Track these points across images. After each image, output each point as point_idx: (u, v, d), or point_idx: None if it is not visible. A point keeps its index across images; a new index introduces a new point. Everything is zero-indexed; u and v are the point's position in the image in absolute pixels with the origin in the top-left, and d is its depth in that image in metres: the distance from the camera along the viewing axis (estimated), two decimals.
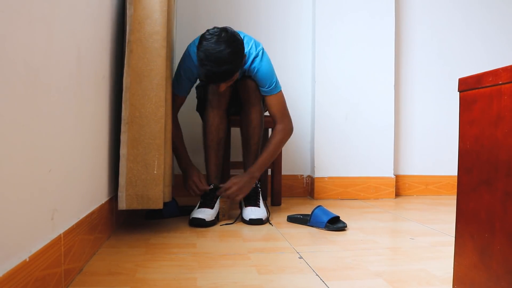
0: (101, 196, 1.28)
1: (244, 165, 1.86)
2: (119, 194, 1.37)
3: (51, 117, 0.84)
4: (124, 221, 1.64)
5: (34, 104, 0.76)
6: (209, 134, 1.77)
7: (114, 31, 1.42)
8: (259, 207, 1.72)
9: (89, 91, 1.12)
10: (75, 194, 1.01)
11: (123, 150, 1.37)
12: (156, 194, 1.39)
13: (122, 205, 1.37)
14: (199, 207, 1.65)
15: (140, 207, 1.38)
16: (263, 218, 1.65)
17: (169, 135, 1.51)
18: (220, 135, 1.79)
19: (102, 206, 1.26)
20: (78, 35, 1.02)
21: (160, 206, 1.40)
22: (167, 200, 1.52)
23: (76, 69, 1.00)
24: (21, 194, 0.70)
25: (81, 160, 1.06)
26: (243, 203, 1.77)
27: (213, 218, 1.62)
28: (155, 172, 1.39)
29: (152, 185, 1.39)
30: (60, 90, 0.89)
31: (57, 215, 0.88)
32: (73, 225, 0.97)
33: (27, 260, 0.71)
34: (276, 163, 2.09)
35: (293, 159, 2.46)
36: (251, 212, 1.66)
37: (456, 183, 2.80)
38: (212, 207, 1.65)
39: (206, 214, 1.60)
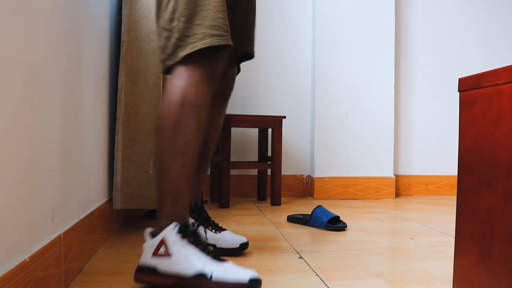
0: (101, 196, 1.28)
1: (196, 190, 1.26)
2: (114, 194, 1.36)
3: (51, 117, 0.84)
4: (124, 221, 1.64)
5: (34, 104, 0.76)
6: (193, 139, 1.02)
7: (113, 31, 1.42)
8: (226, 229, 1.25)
9: (88, 91, 1.12)
10: (75, 194, 1.01)
11: (117, 150, 1.36)
12: (152, 194, 1.38)
13: (117, 205, 1.36)
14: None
15: (135, 207, 1.37)
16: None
17: None
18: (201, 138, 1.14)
19: (102, 206, 1.26)
20: (78, 35, 1.02)
21: (155, 206, 1.38)
22: None
23: (76, 69, 1.00)
24: (21, 194, 0.70)
25: (81, 160, 1.06)
26: (205, 231, 1.21)
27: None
28: (150, 172, 1.38)
29: (147, 185, 1.38)
30: (60, 90, 0.89)
31: (57, 215, 0.88)
32: (73, 225, 0.97)
33: (27, 260, 0.71)
34: (276, 163, 2.08)
35: (293, 159, 2.46)
36: (233, 236, 1.21)
37: (456, 183, 2.80)
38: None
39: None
